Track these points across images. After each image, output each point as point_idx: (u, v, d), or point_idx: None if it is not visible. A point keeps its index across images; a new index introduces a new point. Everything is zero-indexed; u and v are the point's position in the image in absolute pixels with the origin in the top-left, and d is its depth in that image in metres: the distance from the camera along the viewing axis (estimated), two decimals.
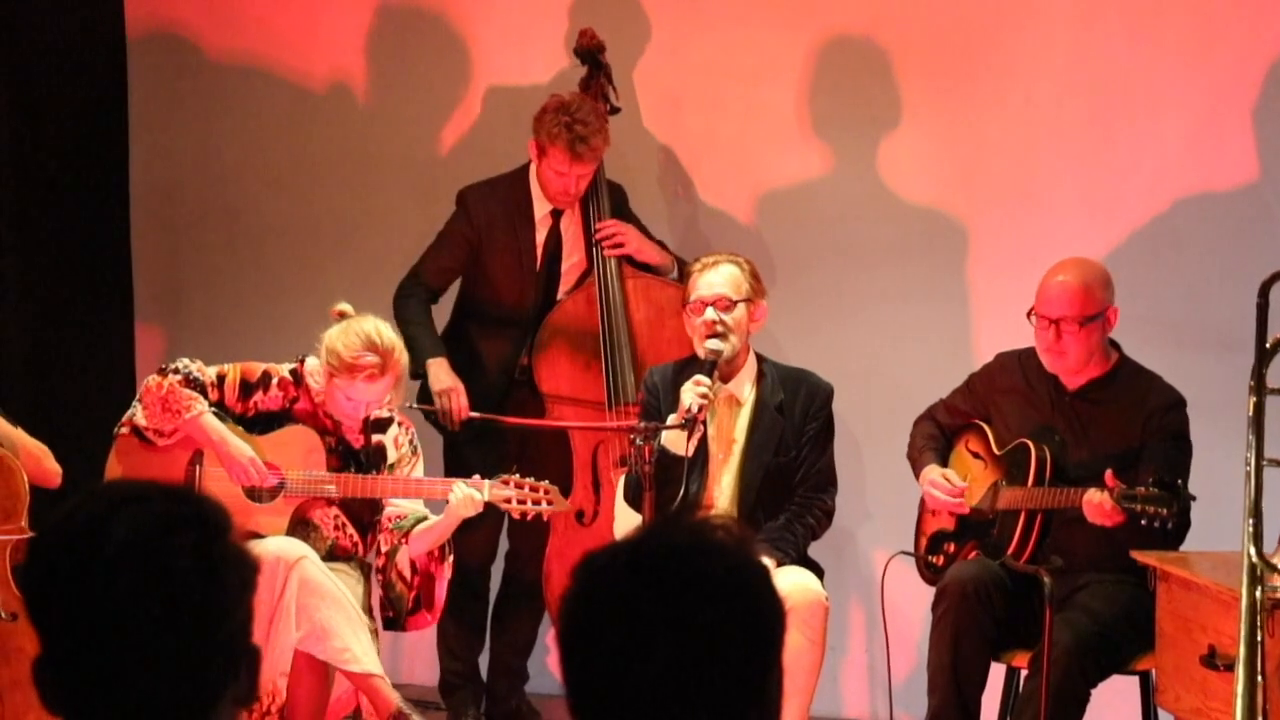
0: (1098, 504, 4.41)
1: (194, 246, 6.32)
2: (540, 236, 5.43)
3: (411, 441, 4.85)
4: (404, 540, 4.74)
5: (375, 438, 4.80)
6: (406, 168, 6.10)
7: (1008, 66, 5.62)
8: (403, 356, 4.67)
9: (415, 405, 5.16)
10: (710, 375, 4.71)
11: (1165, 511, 4.31)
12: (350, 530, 4.78)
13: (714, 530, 1.74)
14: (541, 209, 5.42)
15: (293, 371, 4.77)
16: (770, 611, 1.73)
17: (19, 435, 4.58)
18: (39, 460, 4.54)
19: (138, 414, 4.66)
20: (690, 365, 4.89)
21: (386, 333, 4.65)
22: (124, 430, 4.69)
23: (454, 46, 6.04)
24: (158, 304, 6.33)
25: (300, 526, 4.73)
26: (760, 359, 4.94)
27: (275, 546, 4.54)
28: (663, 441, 4.62)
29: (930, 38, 5.69)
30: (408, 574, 4.74)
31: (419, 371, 5.23)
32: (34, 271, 5.94)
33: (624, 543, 1.76)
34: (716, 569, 1.71)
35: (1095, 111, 5.56)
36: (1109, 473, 4.40)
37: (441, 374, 5.26)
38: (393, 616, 4.76)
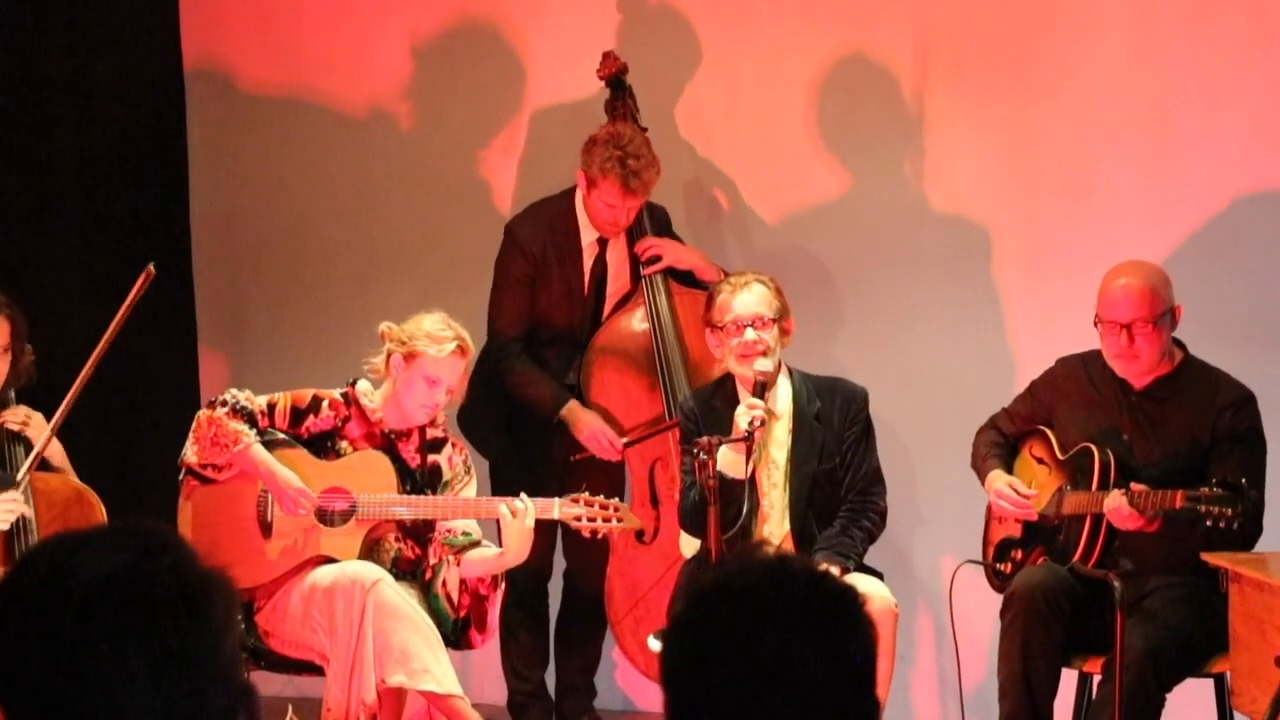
0: (1115, 508, 4.43)
1: (254, 272, 6.37)
2: (588, 265, 5.44)
3: (465, 462, 4.89)
4: (454, 559, 4.74)
5: (431, 458, 4.82)
6: (462, 189, 6.13)
7: (1063, 67, 5.59)
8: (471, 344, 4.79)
9: (575, 458, 5.25)
10: (762, 396, 4.73)
11: (1230, 512, 4.29)
12: (410, 541, 4.80)
13: (807, 563, 1.80)
14: (589, 236, 5.43)
15: (344, 394, 4.81)
16: (870, 639, 1.78)
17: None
18: None
19: (188, 452, 4.70)
20: (722, 386, 4.91)
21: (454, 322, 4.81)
22: (183, 474, 4.74)
23: (503, 67, 6.06)
24: (220, 329, 6.37)
25: (372, 549, 4.75)
26: (790, 371, 4.94)
27: (351, 571, 4.57)
28: (719, 466, 4.61)
29: (984, 39, 5.66)
30: (455, 594, 4.74)
31: (557, 421, 5.29)
32: (98, 301, 5.99)
33: (724, 575, 1.79)
34: (824, 600, 1.76)
35: (1152, 111, 5.52)
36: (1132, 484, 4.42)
37: (580, 419, 5.31)
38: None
